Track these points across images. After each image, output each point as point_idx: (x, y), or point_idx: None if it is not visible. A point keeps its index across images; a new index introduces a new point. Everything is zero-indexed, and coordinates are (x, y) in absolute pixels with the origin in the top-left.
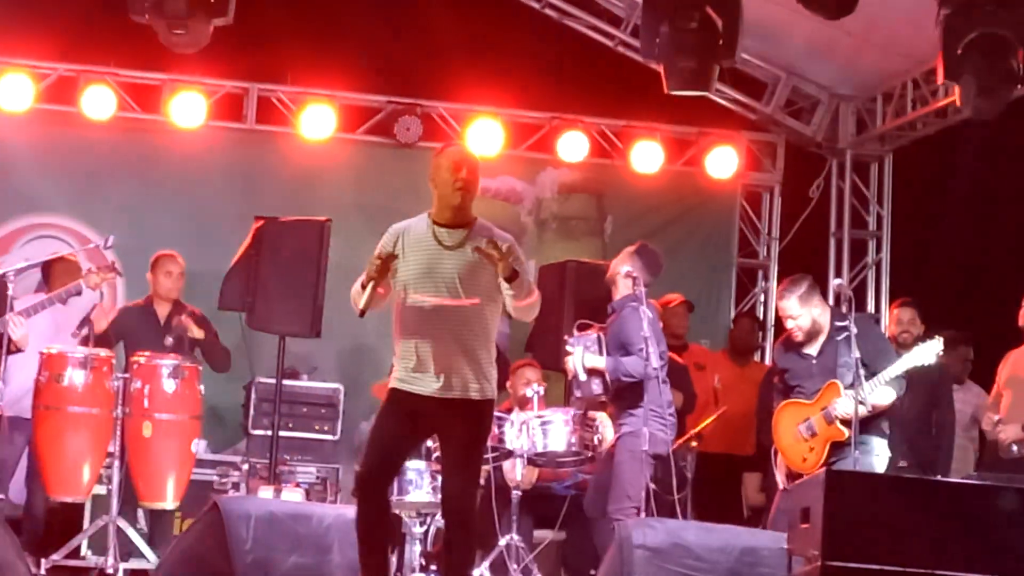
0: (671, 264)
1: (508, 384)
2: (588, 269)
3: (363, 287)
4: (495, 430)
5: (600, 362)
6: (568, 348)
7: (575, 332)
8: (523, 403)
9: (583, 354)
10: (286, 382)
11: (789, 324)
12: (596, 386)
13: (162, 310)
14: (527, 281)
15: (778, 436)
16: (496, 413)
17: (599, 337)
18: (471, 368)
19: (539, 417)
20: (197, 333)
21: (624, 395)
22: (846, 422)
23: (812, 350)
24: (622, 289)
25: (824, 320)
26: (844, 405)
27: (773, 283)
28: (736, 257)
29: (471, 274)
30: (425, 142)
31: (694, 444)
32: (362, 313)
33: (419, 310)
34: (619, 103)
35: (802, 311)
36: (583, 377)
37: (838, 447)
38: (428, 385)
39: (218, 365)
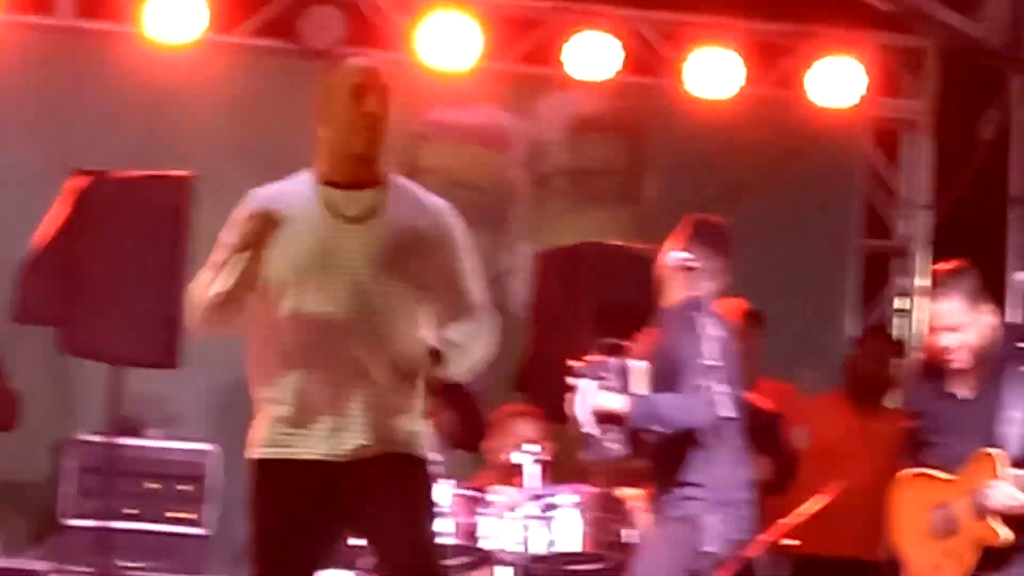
0: (750, 249)
1: (485, 445)
2: (616, 256)
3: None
4: (465, 518)
5: (616, 402)
6: (571, 380)
7: (588, 358)
8: (510, 474)
9: (592, 391)
10: (124, 441)
11: (947, 341)
12: (613, 443)
13: None
14: (468, 355)
15: (897, 524)
16: (460, 490)
17: (623, 365)
18: (394, 408)
19: (538, 499)
20: None
21: (669, 460)
22: (1010, 520)
23: (965, 389)
24: (673, 289)
25: (994, 341)
26: (1004, 492)
27: (920, 278)
28: (860, 237)
29: (391, 260)
30: (350, 48)
31: (792, 543)
32: (201, 329)
33: (306, 323)
34: None
35: (969, 321)
36: (592, 428)
37: (995, 558)
38: (320, 442)
39: None
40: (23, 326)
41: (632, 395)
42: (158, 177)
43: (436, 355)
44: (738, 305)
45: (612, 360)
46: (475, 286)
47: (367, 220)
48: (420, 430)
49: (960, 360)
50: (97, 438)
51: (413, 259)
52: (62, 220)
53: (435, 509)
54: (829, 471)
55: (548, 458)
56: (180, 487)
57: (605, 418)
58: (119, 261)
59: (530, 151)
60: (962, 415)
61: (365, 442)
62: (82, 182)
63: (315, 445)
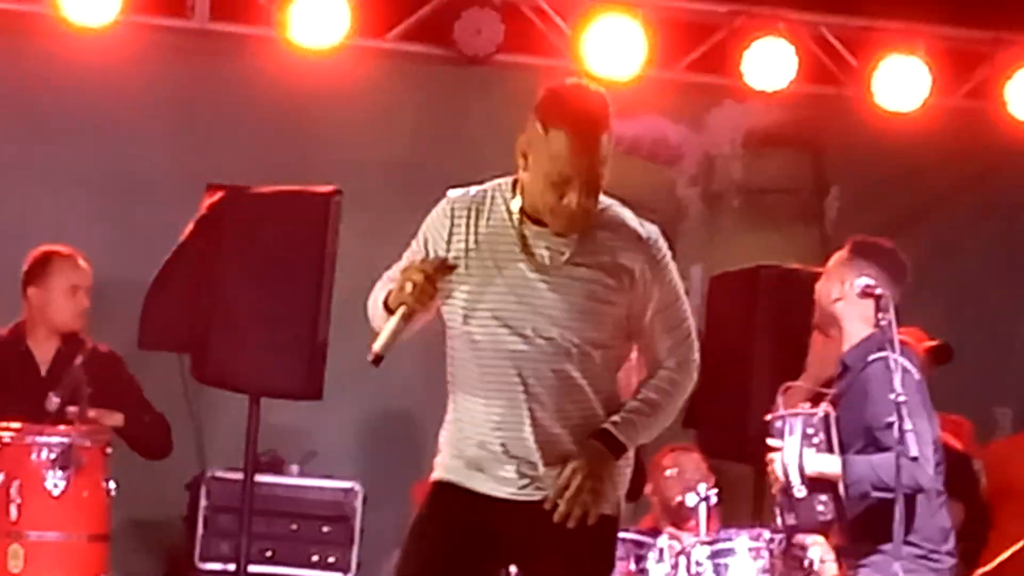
0: (943, 275)
1: (649, 487)
2: (797, 281)
3: (388, 308)
4: (631, 566)
5: (834, 466)
6: (773, 437)
7: (780, 401)
8: (679, 518)
9: (801, 449)
10: (263, 479)
11: None
12: (823, 506)
13: (44, 348)
14: (649, 416)
15: None
16: (629, 536)
17: (826, 418)
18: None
19: (709, 544)
20: (114, 421)
21: (874, 521)
22: None
23: None
24: (853, 326)
25: None
26: None
27: None
28: None
29: (588, 310)
30: (507, 54)
31: None
32: (377, 359)
33: (495, 354)
34: None
35: None
36: (801, 491)
37: None
38: (506, 481)
39: (146, 445)
40: (155, 353)
41: (846, 457)
42: (300, 192)
43: (611, 441)
44: (918, 336)
45: (815, 410)
46: (684, 326)
47: (567, 266)
48: (611, 486)
49: None
50: (234, 475)
51: (616, 303)
52: (197, 238)
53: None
54: None
55: (715, 500)
56: (322, 528)
57: (815, 480)
58: (258, 283)
59: (701, 166)
60: None
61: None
62: (218, 197)
63: (499, 483)
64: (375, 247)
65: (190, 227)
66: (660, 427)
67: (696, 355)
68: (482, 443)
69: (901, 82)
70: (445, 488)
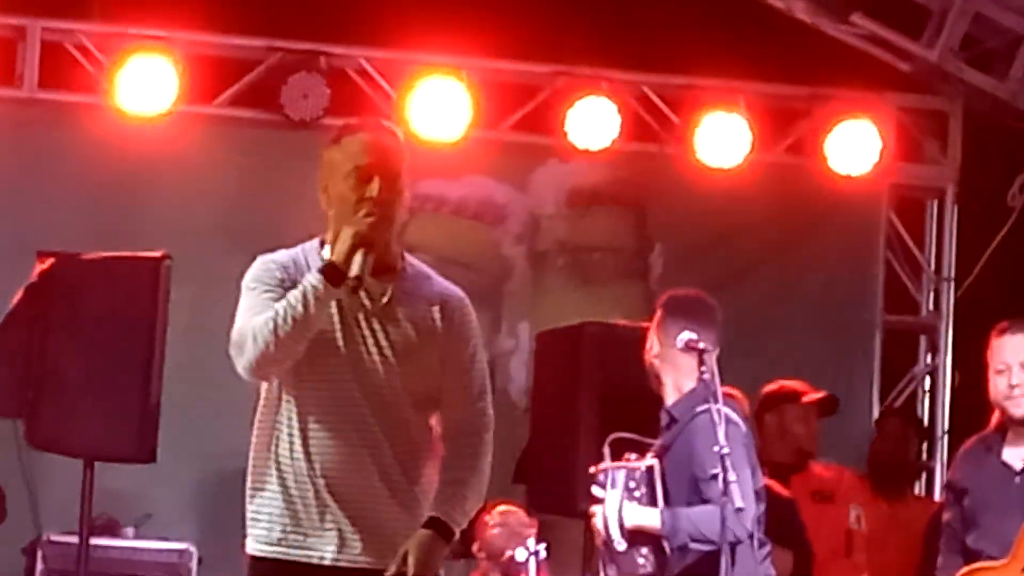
0: (768, 329)
1: (476, 544)
2: (622, 337)
3: (294, 308)
4: None
5: (653, 519)
6: (596, 489)
7: (606, 453)
8: (509, 574)
9: (622, 503)
10: (99, 541)
11: (1014, 379)
12: (643, 559)
13: None
14: (468, 499)
15: None
16: None
17: (650, 471)
18: (408, 513)
19: None
20: None
21: (695, 569)
22: None
23: (1015, 457)
24: (677, 379)
25: None
26: None
27: (946, 356)
28: (881, 313)
29: (410, 353)
30: (335, 118)
31: None
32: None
33: (321, 412)
34: (672, 47)
35: None
36: (621, 544)
37: None
38: (329, 546)
39: None
40: None
41: (665, 510)
42: (129, 258)
43: (442, 529)
44: (803, 390)
45: (638, 464)
46: (485, 384)
47: (386, 307)
48: None
49: (1018, 409)
50: (69, 539)
51: (432, 347)
52: (27, 305)
53: None
54: (851, 547)
55: (544, 555)
56: None
57: (635, 534)
58: (89, 348)
59: (527, 226)
60: (1009, 488)
61: (379, 552)
62: (48, 264)
63: (324, 549)
64: (205, 311)
65: (19, 295)
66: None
67: (490, 411)
68: None
69: (722, 138)
70: (263, 565)
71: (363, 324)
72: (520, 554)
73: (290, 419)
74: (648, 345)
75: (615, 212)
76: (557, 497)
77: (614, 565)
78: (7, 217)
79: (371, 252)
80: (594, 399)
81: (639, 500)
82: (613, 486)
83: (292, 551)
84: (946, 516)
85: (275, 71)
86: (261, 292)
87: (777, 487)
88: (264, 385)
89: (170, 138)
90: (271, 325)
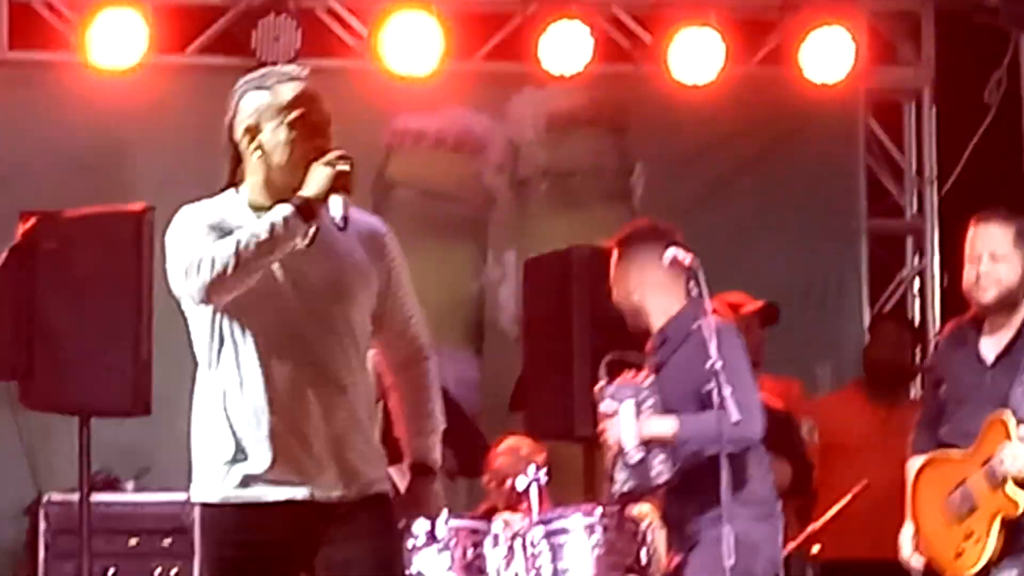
0: (751, 241)
1: (486, 476)
2: (609, 259)
3: (257, 243)
4: (468, 553)
5: (668, 427)
6: (607, 405)
7: (603, 373)
8: (514, 501)
9: (635, 414)
10: (100, 498)
11: (985, 268)
12: (659, 467)
13: None
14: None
15: (917, 513)
16: (464, 523)
17: (654, 384)
18: (364, 441)
19: (544, 524)
20: None
21: (700, 479)
22: None
23: (990, 348)
24: (660, 305)
25: None
26: (1018, 455)
27: (933, 257)
28: (865, 219)
29: (339, 293)
30: (307, 59)
31: (815, 550)
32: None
33: (269, 351)
34: None
35: (1014, 254)
36: (635, 457)
37: (1016, 531)
38: (300, 483)
39: None
40: None
41: (680, 417)
42: (112, 213)
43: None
44: (743, 302)
45: (641, 378)
46: (422, 323)
47: (311, 250)
48: (384, 468)
49: (989, 295)
50: (70, 496)
51: (360, 292)
52: (12, 267)
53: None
54: (851, 469)
55: (546, 480)
56: (163, 541)
57: (649, 444)
58: (77, 305)
59: (506, 154)
60: (982, 378)
61: (347, 481)
62: (31, 224)
63: (294, 486)
64: None
65: (4, 255)
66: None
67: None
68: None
69: (696, 54)
70: (226, 513)
71: (300, 258)
72: (520, 482)
73: (238, 359)
74: (620, 291)
75: (594, 134)
76: (555, 422)
77: (631, 475)
78: None
79: (348, 195)
80: (586, 323)
81: (651, 408)
82: (623, 400)
83: (262, 491)
84: (923, 404)
85: (244, 16)
86: (203, 230)
87: (771, 400)
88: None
89: (144, 90)
90: (232, 248)
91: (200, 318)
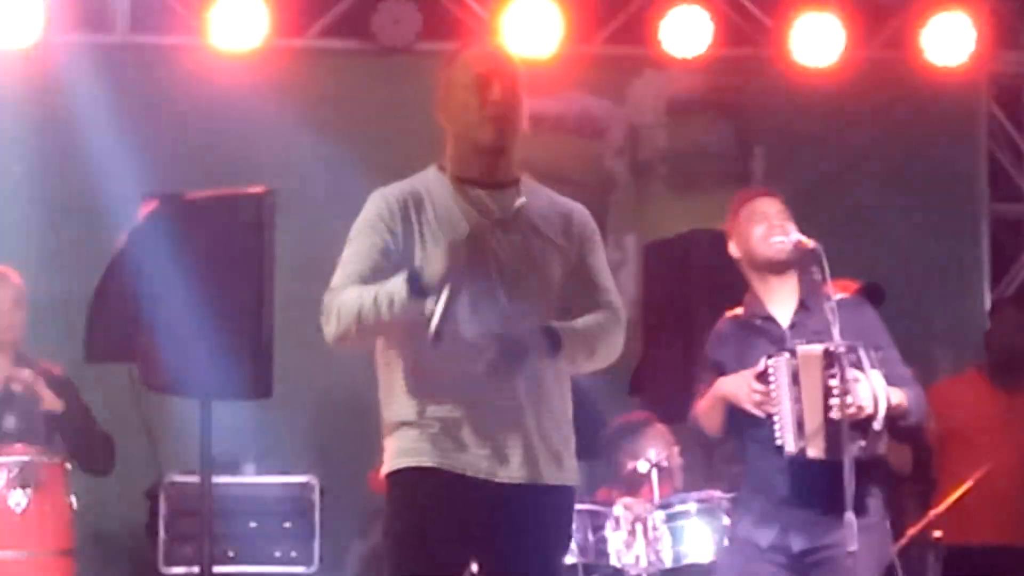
0: (872, 226)
1: (606, 457)
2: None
3: (378, 308)
4: (589, 537)
5: (902, 397)
6: (859, 370)
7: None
8: (635, 485)
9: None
10: (220, 480)
11: None
12: (884, 438)
13: None
14: (586, 335)
15: None
16: (585, 507)
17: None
18: (553, 429)
19: (664, 508)
20: (54, 405)
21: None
22: None
23: None
24: (791, 276)
25: None
26: None
27: None
28: (987, 202)
29: (540, 264)
30: (428, 42)
31: (936, 535)
32: (438, 336)
33: (461, 336)
34: None
35: None
36: (880, 424)
37: None
38: (482, 462)
39: (90, 460)
40: (103, 365)
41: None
42: (233, 195)
43: (552, 334)
44: (847, 284)
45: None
46: (612, 287)
47: (515, 221)
48: (572, 457)
49: None
50: (191, 478)
51: (556, 264)
52: (134, 248)
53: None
54: (973, 455)
55: (672, 464)
56: (282, 524)
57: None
58: (199, 288)
59: (627, 137)
60: None
61: (531, 467)
62: (153, 206)
63: (479, 464)
64: (311, 244)
65: (124, 238)
66: (597, 356)
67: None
68: None
69: (816, 38)
70: (427, 474)
71: (496, 234)
72: (642, 466)
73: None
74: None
75: (714, 118)
76: (676, 406)
77: (869, 446)
78: (109, 163)
79: (501, 158)
80: (705, 306)
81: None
82: (870, 365)
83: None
84: None
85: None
86: (367, 237)
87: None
88: None
89: (265, 73)
90: (355, 313)
91: None
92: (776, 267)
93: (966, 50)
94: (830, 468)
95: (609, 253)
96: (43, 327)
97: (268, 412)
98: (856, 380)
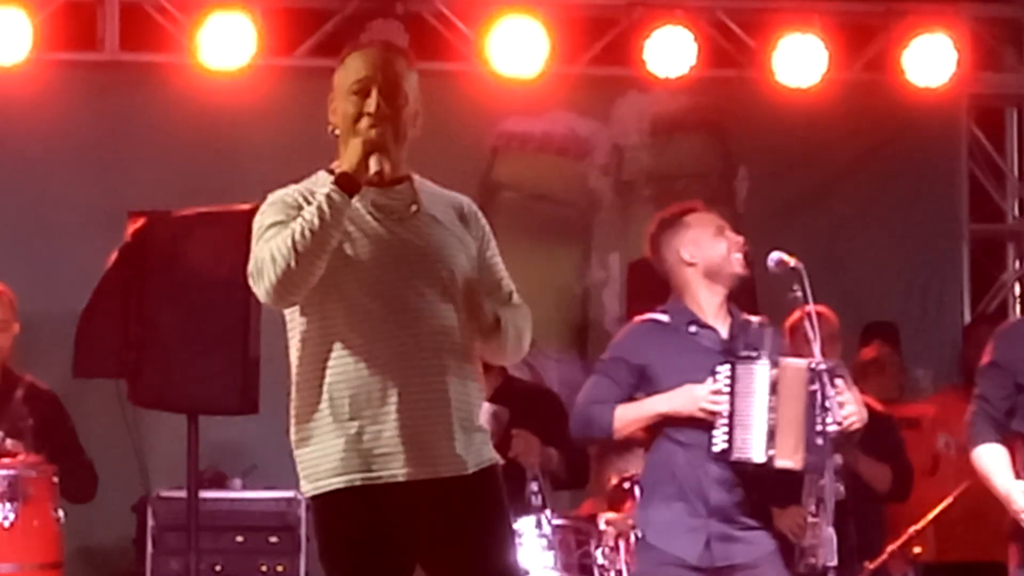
0: (853, 244)
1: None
2: None
3: (310, 230)
4: (572, 552)
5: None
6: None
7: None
8: (616, 501)
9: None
10: (207, 495)
11: None
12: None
13: None
14: (510, 315)
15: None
16: (570, 523)
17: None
18: (474, 414)
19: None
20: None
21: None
22: None
23: None
24: None
25: None
26: None
27: None
28: (967, 223)
29: (449, 255)
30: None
31: (916, 551)
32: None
33: (376, 330)
34: None
35: None
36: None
37: None
38: (409, 463)
39: (72, 490)
40: (91, 381)
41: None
42: (221, 213)
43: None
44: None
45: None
46: (511, 284)
47: (413, 216)
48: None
49: None
50: (178, 493)
51: (463, 250)
52: (123, 265)
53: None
54: (937, 468)
55: None
56: (269, 538)
57: None
58: (186, 304)
59: (611, 157)
60: None
61: (459, 457)
62: (141, 224)
63: (405, 465)
64: None
65: (115, 255)
66: (513, 341)
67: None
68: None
69: (799, 59)
70: (349, 496)
71: (397, 232)
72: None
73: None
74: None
75: (698, 138)
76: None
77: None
78: (96, 180)
79: (384, 156)
80: None
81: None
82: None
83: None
84: (980, 390)
85: (352, 19)
86: (272, 221)
87: (874, 403)
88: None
89: (253, 92)
90: (289, 242)
91: None
92: (733, 281)
93: (947, 72)
94: (760, 482)
95: (594, 271)
96: (31, 342)
97: (255, 427)
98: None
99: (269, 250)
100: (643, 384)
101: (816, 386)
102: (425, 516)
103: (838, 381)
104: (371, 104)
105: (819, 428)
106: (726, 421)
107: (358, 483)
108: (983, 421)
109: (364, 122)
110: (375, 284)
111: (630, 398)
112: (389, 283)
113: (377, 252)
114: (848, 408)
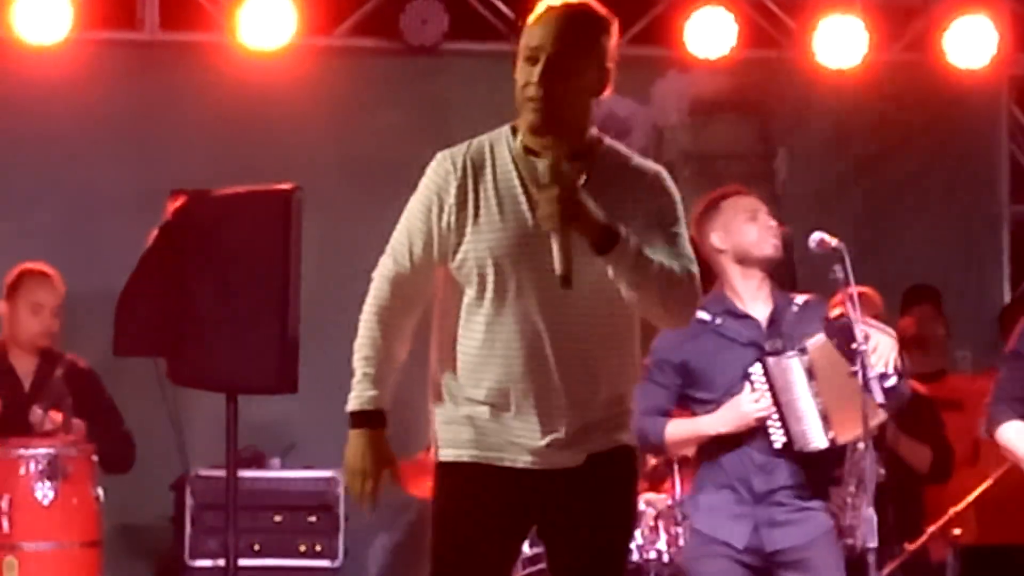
0: (894, 225)
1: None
2: None
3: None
4: None
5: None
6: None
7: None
8: (658, 481)
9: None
10: (246, 474)
11: None
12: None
13: (24, 363)
14: (645, 255)
15: None
16: None
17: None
18: (614, 402)
19: (679, 505)
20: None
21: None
22: None
23: None
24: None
25: None
26: None
27: None
28: (1007, 204)
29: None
30: (455, 42)
31: (956, 532)
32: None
33: (521, 310)
34: None
35: None
36: (892, 381)
37: None
38: (534, 442)
39: (109, 459)
40: (130, 359)
41: None
42: (260, 192)
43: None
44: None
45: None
46: (689, 253)
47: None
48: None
49: None
50: (217, 472)
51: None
52: (162, 244)
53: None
54: (979, 455)
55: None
56: (307, 518)
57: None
58: (226, 283)
59: (650, 138)
60: None
61: (586, 442)
62: (181, 203)
63: (528, 445)
64: (337, 241)
65: (155, 234)
66: (651, 286)
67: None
68: None
69: (839, 40)
70: (464, 469)
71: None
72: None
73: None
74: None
75: (737, 119)
76: None
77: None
78: (137, 159)
79: (544, 132)
80: None
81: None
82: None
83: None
84: (1001, 377)
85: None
86: (417, 209)
87: (916, 384)
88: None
89: (292, 72)
90: (356, 352)
91: None
92: (767, 265)
93: (988, 53)
94: (804, 465)
95: None
96: (72, 321)
97: (294, 407)
98: (867, 336)
99: (364, 316)
100: (688, 382)
101: (841, 340)
102: (551, 500)
103: (857, 332)
104: (535, 72)
105: (870, 379)
106: (778, 417)
107: (484, 462)
108: (1002, 403)
109: (529, 90)
110: (520, 262)
111: (681, 397)
112: (535, 264)
113: (519, 233)
114: (881, 349)
